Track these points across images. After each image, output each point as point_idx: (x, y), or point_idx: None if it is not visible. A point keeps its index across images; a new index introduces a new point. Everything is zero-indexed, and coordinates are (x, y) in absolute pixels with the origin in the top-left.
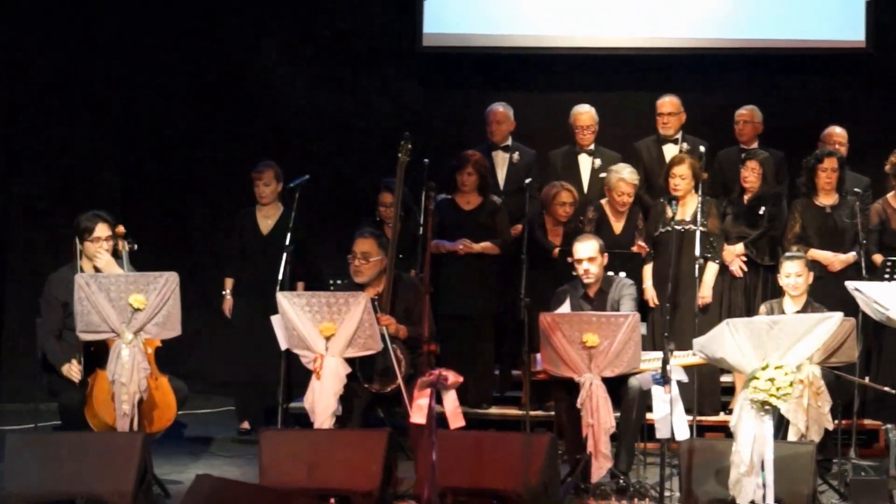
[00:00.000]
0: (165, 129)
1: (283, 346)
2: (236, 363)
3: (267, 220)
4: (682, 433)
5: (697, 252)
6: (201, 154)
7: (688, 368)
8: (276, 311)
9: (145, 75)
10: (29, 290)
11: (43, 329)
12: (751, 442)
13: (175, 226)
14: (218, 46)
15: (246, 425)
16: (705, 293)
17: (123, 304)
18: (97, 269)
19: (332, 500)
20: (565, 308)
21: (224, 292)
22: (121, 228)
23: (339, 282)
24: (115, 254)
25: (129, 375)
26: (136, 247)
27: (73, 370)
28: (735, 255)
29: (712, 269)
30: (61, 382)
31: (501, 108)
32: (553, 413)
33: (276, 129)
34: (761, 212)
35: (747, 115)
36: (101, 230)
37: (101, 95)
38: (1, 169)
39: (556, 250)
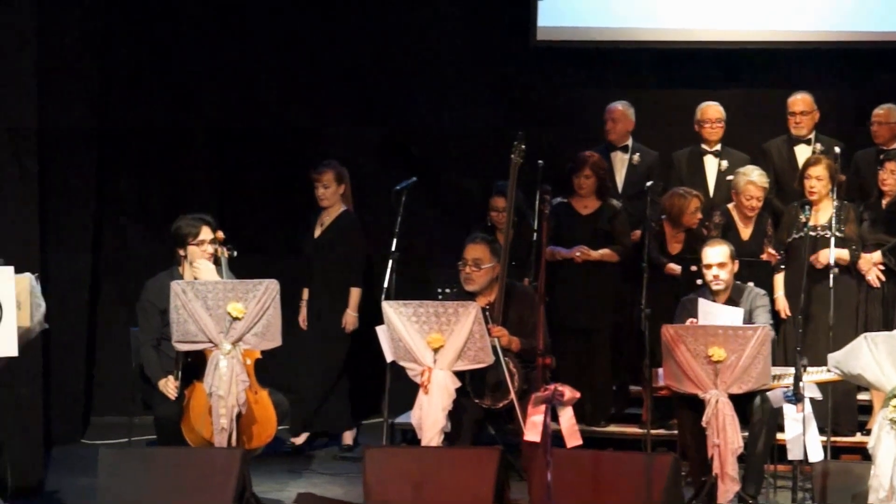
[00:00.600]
0: (262, 126)
1: (389, 357)
2: (302, 375)
3: (322, 222)
4: (816, 455)
5: (832, 260)
6: (303, 156)
7: (822, 385)
8: (317, 321)
9: (240, 74)
10: (124, 296)
11: (139, 338)
12: (891, 465)
13: (273, 229)
14: (320, 43)
15: (300, 439)
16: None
17: (221, 313)
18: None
19: None
20: (707, 312)
21: (301, 301)
22: (220, 234)
23: (448, 290)
24: (215, 261)
25: (228, 388)
26: (235, 253)
27: (169, 386)
28: (872, 263)
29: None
30: (157, 395)
31: (621, 107)
32: (676, 432)
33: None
34: None
35: (883, 115)
36: (205, 233)
37: (195, 92)
38: (94, 171)
39: (670, 265)
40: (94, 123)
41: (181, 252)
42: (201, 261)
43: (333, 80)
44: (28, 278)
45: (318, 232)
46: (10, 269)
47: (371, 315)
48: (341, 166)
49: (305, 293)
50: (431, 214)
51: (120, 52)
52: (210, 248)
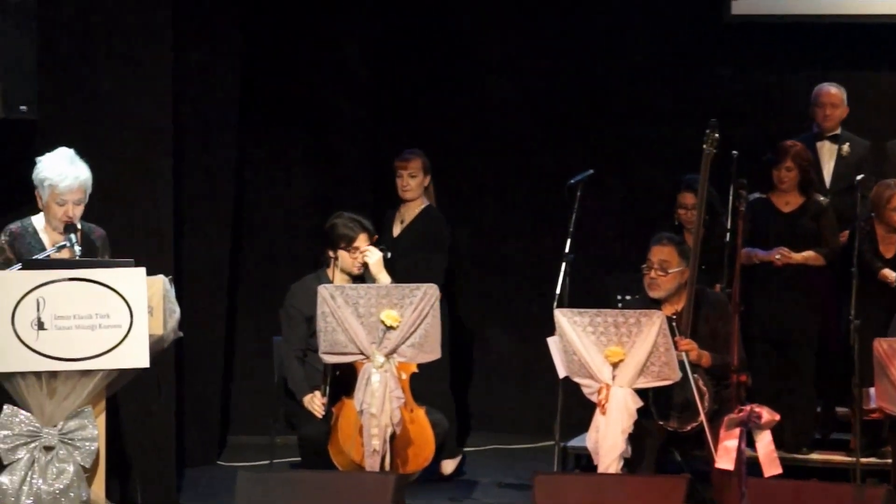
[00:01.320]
0: (426, 122)
1: (562, 373)
2: None
3: (403, 218)
4: None
5: None
6: (471, 151)
7: None
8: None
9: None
10: (267, 302)
11: (283, 349)
12: None
13: None
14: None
15: (451, 466)
16: None
17: (374, 321)
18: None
19: None
20: None
21: None
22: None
23: (629, 297)
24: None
25: (380, 406)
26: (389, 255)
27: (315, 403)
28: None
29: None
30: (302, 413)
31: (835, 90)
32: (890, 461)
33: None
34: None
35: None
36: (361, 241)
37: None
38: (232, 165)
39: (884, 270)
40: (234, 119)
41: (331, 253)
42: (371, 249)
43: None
44: (161, 281)
45: (397, 229)
46: (142, 270)
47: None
48: (426, 156)
49: None
50: (610, 212)
51: (260, 50)
52: (362, 258)
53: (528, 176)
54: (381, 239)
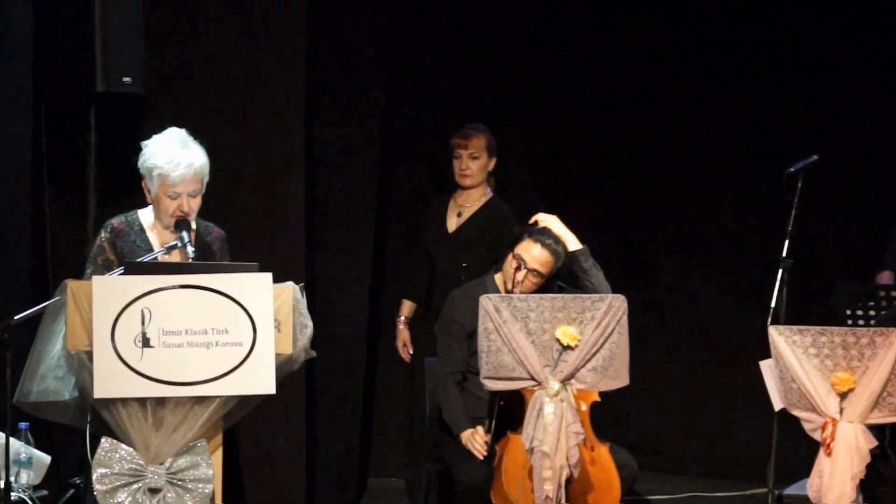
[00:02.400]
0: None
1: (777, 404)
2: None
3: (460, 210)
4: None
5: None
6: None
7: None
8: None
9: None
10: (416, 314)
11: (438, 371)
12: None
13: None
14: None
15: None
16: None
17: (548, 340)
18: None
19: None
20: None
21: (398, 318)
22: None
23: (861, 313)
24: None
25: (555, 442)
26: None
27: (476, 441)
28: None
29: None
30: (459, 451)
31: None
32: None
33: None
34: None
35: None
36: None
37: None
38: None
39: None
40: (375, 126)
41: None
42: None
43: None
44: (291, 290)
45: (452, 224)
46: (268, 277)
47: None
48: (490, 133)
49: (406, 308)
50: (835, 206)
51: (404, 56)
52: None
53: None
54: (428, 235)
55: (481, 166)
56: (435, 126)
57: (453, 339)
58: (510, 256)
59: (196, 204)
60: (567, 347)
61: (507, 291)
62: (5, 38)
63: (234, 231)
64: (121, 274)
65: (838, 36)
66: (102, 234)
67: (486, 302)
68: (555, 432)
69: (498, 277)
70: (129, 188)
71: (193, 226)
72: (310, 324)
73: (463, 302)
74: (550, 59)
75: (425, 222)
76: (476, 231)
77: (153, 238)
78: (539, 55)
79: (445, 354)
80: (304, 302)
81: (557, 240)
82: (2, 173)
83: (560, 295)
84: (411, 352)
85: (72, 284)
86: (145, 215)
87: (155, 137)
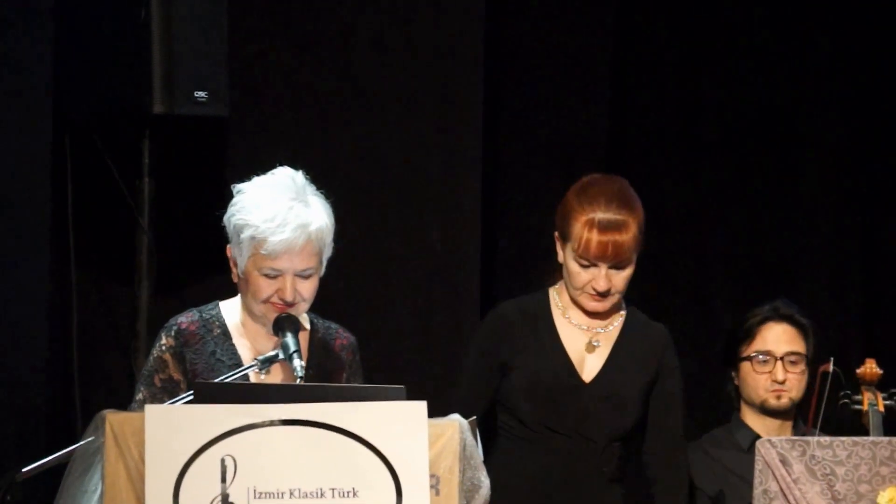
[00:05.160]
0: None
1: None
2: None
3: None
4: None
5: None
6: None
7: None
8: None
9: None
10: None
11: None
12: None
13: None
14: None
15: None
16: None
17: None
18: None
19: None
20: None
21: None
22: (872, 367)
23: None
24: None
25: None
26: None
27: None
28: None
29: None
30: None
31: None
32: None
33: None
34: None
35: None
36: (776, 340)
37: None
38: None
39: None
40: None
41: (734, 378)
42: None
43: None
44: (457, 428)
45: None
46: (422, 406)
47: None
48: None
49: None
50: None
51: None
52: (782, 373)
53: None
54: None
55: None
56: None
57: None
58: (742, 365)
59: (309, 290)
60: None
61: (774, 414)
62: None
63: (375, 334)
64: (188, 402)
65: None
66: (163, 340)
67: (767, 449)
68: None
69: (748, 415)
70: (203, 266)
71: (306, 325)
72: (486, 481)
73: (697, 454)
74: None
75: None
76: None
77: (242, 347)
78: None
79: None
80: (478, 447)
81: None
82: (8, 244)
83: (887, 439)
84: None
85: (112, 418)
86: (230, 311)
87: (255, 181)
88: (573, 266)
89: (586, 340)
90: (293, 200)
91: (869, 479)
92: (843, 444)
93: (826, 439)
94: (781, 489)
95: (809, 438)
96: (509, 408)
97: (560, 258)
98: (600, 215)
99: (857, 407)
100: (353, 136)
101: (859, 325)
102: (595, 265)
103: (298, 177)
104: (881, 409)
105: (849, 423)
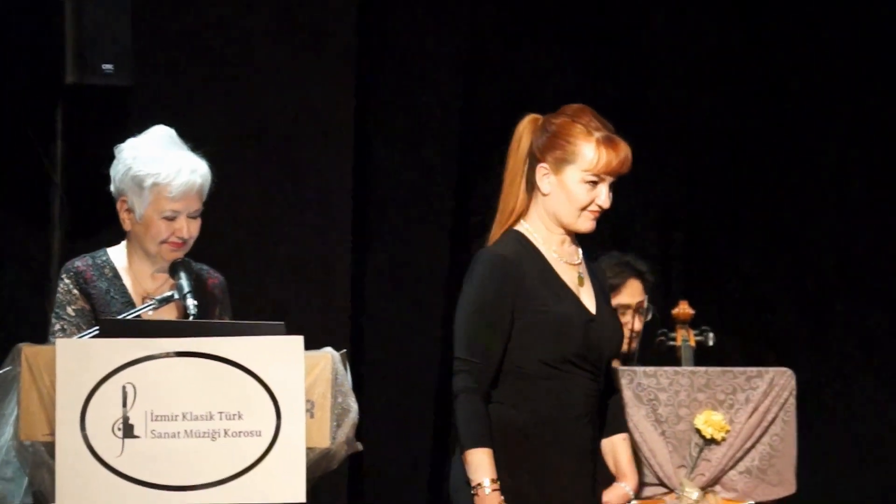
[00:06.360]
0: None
1: None
2: None
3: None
4: None
5: None
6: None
7: None
8: None
9: None
10: None
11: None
12: None
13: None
14: None
15: None
16: None
17: (684, 431)
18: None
19: None
20: None
21: None
22: (684, 307)
23: None
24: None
25: None
26: (711, 341)
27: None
28: None
29: None
30: None
31: None
32: None
33: None
34: None
35: None
36: (631, 294)
37: None
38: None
39: None
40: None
41: None
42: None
43: None
44: (329, 359)
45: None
46: (299, 340)
47: None
48: None
49: None
50: None
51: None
52: (639, 324)
53: None
54: None
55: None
56: None
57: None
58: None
59: (197, 229)
60: (712, 441)
61: (623, 357)
62: None
63: (242, 279)
64: (95, 336)
65: None
66: (66, 280)
67: None
68: None
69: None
70: (108, 216)
71: (194, 265)
72: (355, 406)
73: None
74: None
75: None
76: None
77: (131, 286)
78: None
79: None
80: (348, 376)
81: None
82: None
83: (703, 369)
84: None
85: (27, 350)
86: (117, 256)
87: (138, 138)
88: (578, 188)
89: (576, 275)
90: (181, 150)
91: (688, 403)
92: (665, 374)
93: (651, 369)
94: None
95: (637, 368)
96: (525, 348)
97: (545, 188)
98: (608, 133)
99: (672, 343)
100: (239, 110)
101: (679, 270)
102: (602, 181)
103: (174, 132)
104: (692, 344)
105: (665, 357)
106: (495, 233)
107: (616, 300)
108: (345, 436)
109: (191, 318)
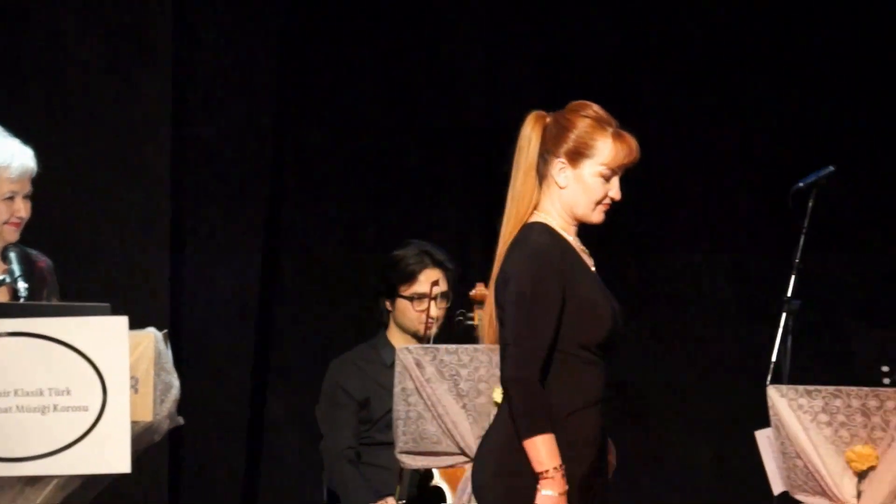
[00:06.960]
0: None
1: (778, 487)
2: None
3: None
4: None
5: None
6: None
7: None
8: None
9: None
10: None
11: (328, 452)
12: None
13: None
14: None
15: None
16: None
17: (484, 404)
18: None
19: None
20: None
21: None
22: (482, 289)
23: (886, 368)
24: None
25: None
26: (471, 322)
27: None
28: None
29: None
30: None
31: None
32: None
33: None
34: None
35: None
36: (428, 278)
37: None
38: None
39: None
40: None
41: (388, 307)
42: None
43: None
44: (151, 338)
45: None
46: (123, 321)
47: None
48: None
49: None
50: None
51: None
52: (436, 310)
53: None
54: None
55: None
56: None
57: (343, 412)
58: (399, 301)
59: (30, 209)
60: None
61: (420, 340)
62: None
63: (68, 264)
64: None
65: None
66: None
67: (406, 356)
68: None
69: (389, 335)
70: None
71: (28, 251)
72: (176, 382)
73: (351, 369)
74: None
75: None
76: None
77: None
78: None
79: (334, 431)
80: (169, 354)
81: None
82: None
83: (498, 346)
84: None
85: None
86: None
87: None
88: (595, 182)
89: (592, 263)
90: (9, 138)
91: (487, 378)
92: (466, 351)
93: (452, 347)
94: (416, 387)
95: (439, 346)
96: (571, 334)
97: (562, 182)
98: (617, 128)
99: (470, 322)
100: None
101: (479, 252)
102: (615, 174)
103: None
104: None
105: (463, 336)
106: (514, 227)
107: (412, 289)
108: (167, 410)
109: (21, 301)
